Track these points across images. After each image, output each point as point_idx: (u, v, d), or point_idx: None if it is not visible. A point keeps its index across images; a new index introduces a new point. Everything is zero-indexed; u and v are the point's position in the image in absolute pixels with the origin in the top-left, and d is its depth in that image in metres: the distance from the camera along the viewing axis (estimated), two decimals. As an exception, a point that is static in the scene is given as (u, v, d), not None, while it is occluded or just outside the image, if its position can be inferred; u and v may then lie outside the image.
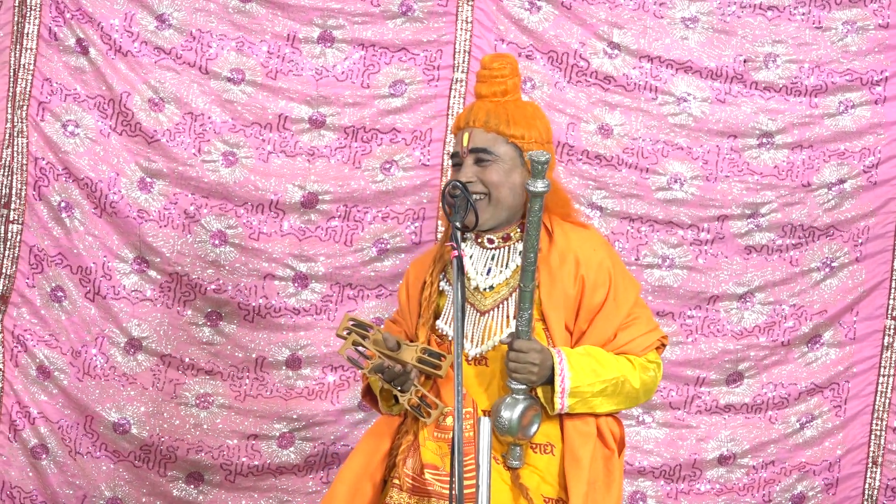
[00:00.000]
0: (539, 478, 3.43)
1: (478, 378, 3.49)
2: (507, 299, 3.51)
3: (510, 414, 3.38)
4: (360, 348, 3.38)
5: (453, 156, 3.58)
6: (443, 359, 3.37)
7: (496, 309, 3.51)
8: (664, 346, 3.61)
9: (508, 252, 3.55)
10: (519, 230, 3.57)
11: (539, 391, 3.42)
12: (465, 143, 3.53)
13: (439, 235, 4.77)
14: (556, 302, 3.49)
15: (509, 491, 3.41)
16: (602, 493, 3.45)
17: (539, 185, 3.32)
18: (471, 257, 3.55)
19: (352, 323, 3.38)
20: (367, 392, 3.65)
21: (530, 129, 3.57)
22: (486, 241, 3.55)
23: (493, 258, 3.55)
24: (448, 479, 3.38)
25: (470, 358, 3.50)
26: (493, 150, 3.52)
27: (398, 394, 3.38)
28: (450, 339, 3.50)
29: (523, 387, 3.40)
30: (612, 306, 3.53)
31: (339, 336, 3.38)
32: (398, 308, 3.72)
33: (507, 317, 3.49)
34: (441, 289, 3.57)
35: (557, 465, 3.46)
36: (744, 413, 4.97)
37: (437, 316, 3.57)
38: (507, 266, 3.53)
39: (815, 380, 4.98)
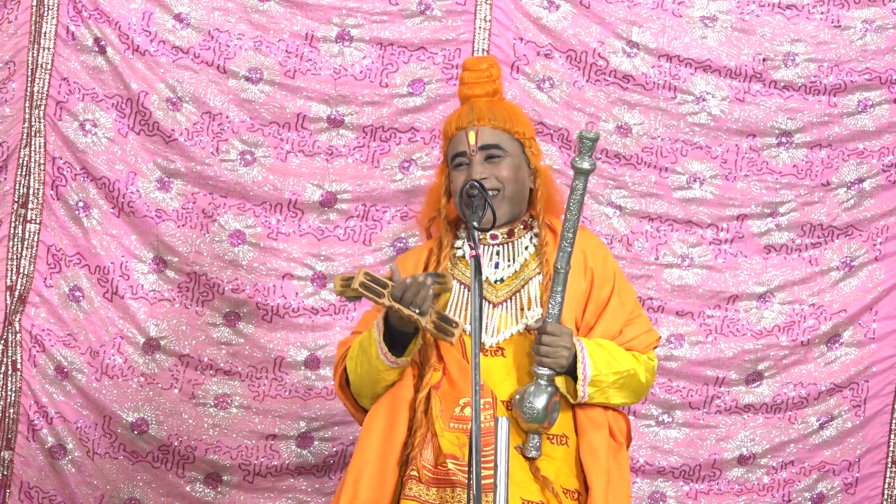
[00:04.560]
0: (557, 468, 3.43)
1: (496, 368, 3.49)
2: (519, 290, 3.52)
3: (537, 401, 3.38)
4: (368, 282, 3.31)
5: (457, 156, 3.57)
6: (455, 325, 3.32)
7: (510, 300, 3.52)
8: (656, 347, 3.64)
9: (514, 247, 3.57)
10: (522, 226, 3.59)
11: (560, 380, 3.43)
12: (472, 142, 3.54)
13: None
14: (568, 296, 3.50)
15: (533, 482, 3.40)
16: (617, 484, 3.47)
17: (586, 163, 3.36)
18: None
19: (368, 278, 3.29)
20: (342, 386, 3.56)
21: (527, 126, 3.63)
22: (488, 237, 3.56)
23: (497, 253, 3.56)
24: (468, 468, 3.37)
25: (486, 348, 3.49)
26: (503, 145, 3.55)
27: (418, 318, 3.29)
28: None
29: (549, 373, 3.39)
30: (617, 302, 3.56)
31: (339, 293, 3.29)
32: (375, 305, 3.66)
33: (522, 308, 3.50)
34: None
35: (573, 457, 3.47)
36: (763, 413, 4.96)
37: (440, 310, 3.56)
38: (514, 260, 3.56)
39: (835, 379, 4.97)
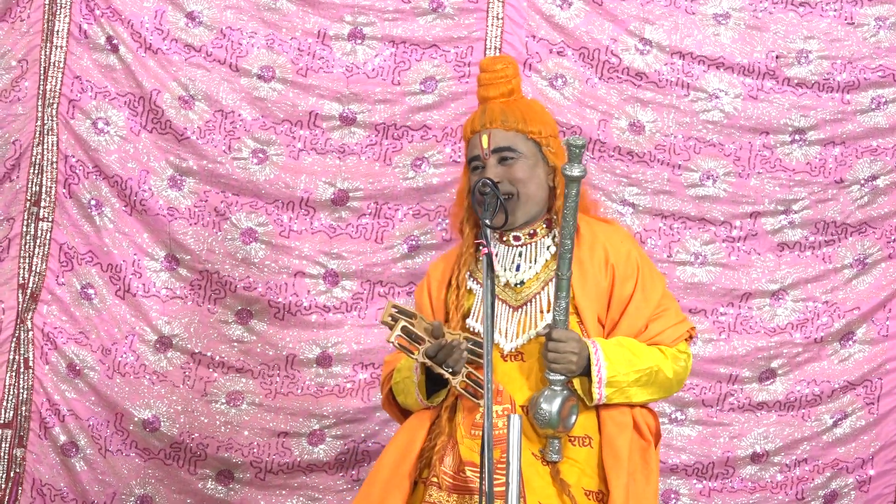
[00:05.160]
0: (579, 471, 3.42)
1: (515, 373, 3.48)
2: (539, 293, 3.51)
3: (550, 406, 3.37)
4: (404, 339, 3.37)
5: (472, 159, 3.57)
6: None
7: (529, 304, 3.51)
8: (692, 337, 3.62)
9: (536, 248, 3.56)
10: (545, 225, 3.58)
11: (576, 382, 3.42)
12: (485, 145, 3.54)
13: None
14: (589, 294, 3.49)
15: (551, 487, 3.39)
16: (641, 485, 3.45)
17: (576, 170, 3.34)
18: (497, 255, 3.54)
19: (395, 310, 3.38)
20: (389, 400, 3.65)
21: (545, 124, 3.61)
22: (511, 238, 3.55)
23: (520, 255, 3.55)
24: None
25: (505, 353, 3.49)
26: (516, 147, 3.54)
27: (450, 377, 3.37)
28: (481, 335, 3.49)
29: (562, 378, 3.39)
30: (640, 297, 3.54)
31: (384, 323, 3.37)
32: (417, 310, 3.70)
33: (541, 311, 3.49)
34: (469, 288, 3.56)
35: (596, 458, 3.45)
36: (777, 410, 4.95)
37: (465, 316, 3.56)
38: (535, 262, 3.54)
39: (849, 377, 4.96)
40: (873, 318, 4.97)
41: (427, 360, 3.37)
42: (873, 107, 4.93)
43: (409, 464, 3.47)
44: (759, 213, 4.91)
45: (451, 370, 3.38)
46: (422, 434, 3.49)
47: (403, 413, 3.63)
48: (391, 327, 3.37)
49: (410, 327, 3.37)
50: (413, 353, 3.38)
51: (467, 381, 3.39)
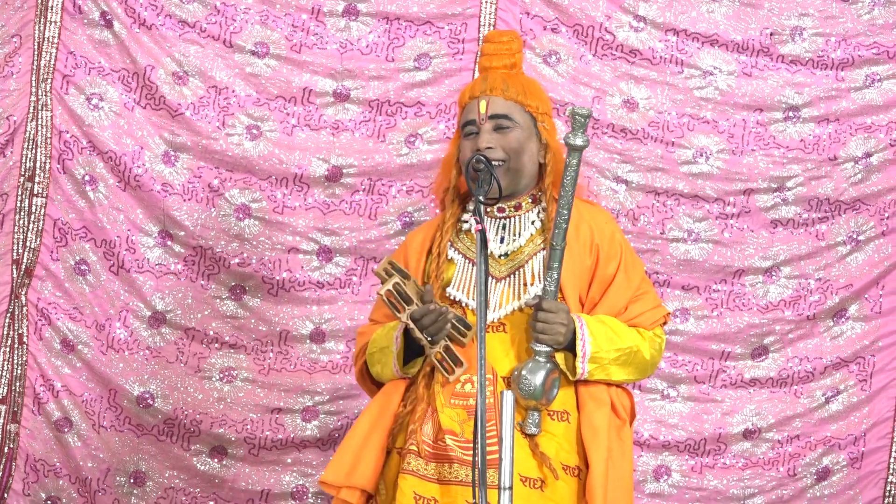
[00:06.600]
0: (557, 444, 3.42)
1: (497, 344, 3.48)
2: (523, 266, 3.51)
3: (534, 378, 3.37)
4: (393, 295, 3.38)
5: (467, 124, 3.56)
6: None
7: (512, 275, 3.51)
8: (665, 323, 3.63)
9: (521, 221, 3.56)
10: (530, 200, 3.58)
11: (559, 357, 3.42)
12: (483, 110, 3.53)
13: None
14: (573, 272, 3.50)
15: (531, 459, 3.40)
16: (618, 461, 3.45)
17: (579, 139, 3.35)
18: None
19: (391, 266, 3.39)
20: (363, 374, 3.65)
21: (542, 101, 3.61)
22: (495, 210, 3.55)
23: (503, 227, 3.56)
24: (468, 444, 3.37)
25: (488, 323, 3.49)
26: (513, 116, 3.53)
27: (427, 344, 3.38)
28: (463, 305, 3.50)
29: (547, 349, 3.38)
30: (623, 278, 3.54)
31: (377, 274, 3.39)
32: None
33: (525, 283, 3.49)
34: (450, 257, 3.56)
35: (574, 433, 3.46)
36: (769, 387, 4.96)
37: (445, 285, 3.56)
38: (519, 235, 3.54)
39: (841, 354, 4.97)
40: (866, 295, 4.97)
41: (410, 323, 3.37)
42: (867, 84, 4.93)
43: (382, 432, 3.47)
44: (753, 190, 4.91)
45: (430, 339, 3.38)
46: (395, 402, 3.49)
47: (377, 386, 3.63)
48: (383, 281, 3.38)
49: (402, 286, 3.38)
50: (399, 313, 3.38)
51: (443, 353, 3.39)
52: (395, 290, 3.38)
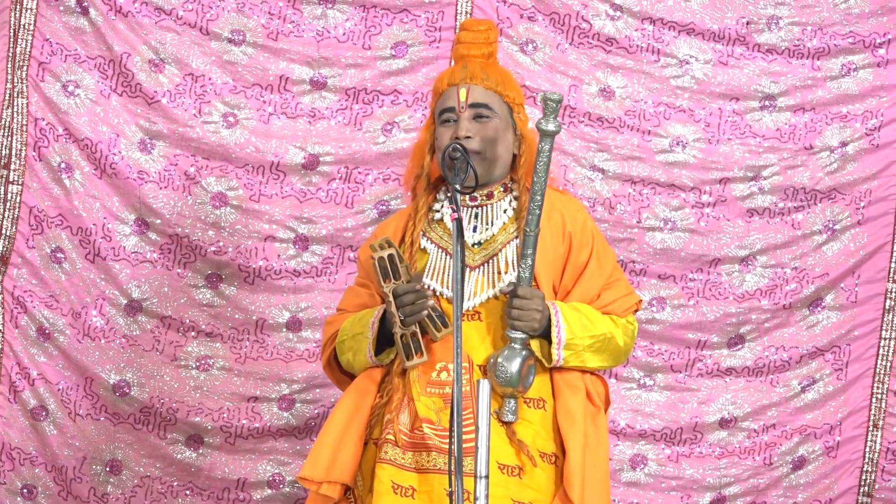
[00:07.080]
0: (534, 432, 3.43)
1: (473, 333, 3.48)
2: (496, 254, 3.51)
3: (510, 365, 3.37)
4: (385, 263, 3.38)
5: (445, 111, 3.55)
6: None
7: (486, 264, 3.51)
8: (637, 310, 3.64)
9: (493, 210, 3.56)
10: (502, 189, 3.57)
11: (534, 344, 3.42)
12: (463, 98, 3.53)
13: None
14: (546, 260, 3.50)
15: (509, 446, 3.40)
16: (594, 447, 3.46)
17: (551, 125, 3.36)
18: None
19: (387, 244, 3.39)
20: (330, 363, 3.64)
21: (518, 91, 3.62)
22: (468, 199, 3.55)
23: (476, 216, 3.55)
24: (445, 433, 3.37)
25: (462, 312, 3.48)
26: (492, 106, 3.54)
27: (398, 322, 3.37)
28: (437, 294, 3.50)
29: (522, 336, 3.39)
30: (595, 265, 3.55)
31: (372, 247, 3.38)
32: (361, 272, 3.70)
33: (499, 272, 3.49)
34: (423, 247, 3.56)
35: (550, 421, 3.46)
36: (745, 376, 4.97)
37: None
38: (492, 224, 3.54)
39: (817, 343, 4.98)
40: (842, 284, 4.98)
41: (390, 295, 3.36)
42: (843, 73, 4.94)
43: (359, 425, 3.46)
44: (729, 179, 4.92)
45: (403, 318, 3.38)
46: (371, 393, 3.49)
47: (346, 375, 3.63)
48: (377, 250, 3.38)
49: (396, 260, 3.38)
50: (385, 283, 3.37)
51: (409, 338, 3.39)
52: (388, 259, 3.37)
